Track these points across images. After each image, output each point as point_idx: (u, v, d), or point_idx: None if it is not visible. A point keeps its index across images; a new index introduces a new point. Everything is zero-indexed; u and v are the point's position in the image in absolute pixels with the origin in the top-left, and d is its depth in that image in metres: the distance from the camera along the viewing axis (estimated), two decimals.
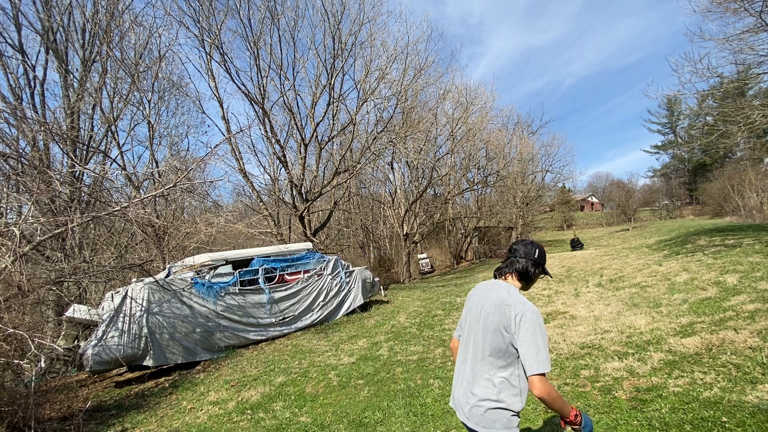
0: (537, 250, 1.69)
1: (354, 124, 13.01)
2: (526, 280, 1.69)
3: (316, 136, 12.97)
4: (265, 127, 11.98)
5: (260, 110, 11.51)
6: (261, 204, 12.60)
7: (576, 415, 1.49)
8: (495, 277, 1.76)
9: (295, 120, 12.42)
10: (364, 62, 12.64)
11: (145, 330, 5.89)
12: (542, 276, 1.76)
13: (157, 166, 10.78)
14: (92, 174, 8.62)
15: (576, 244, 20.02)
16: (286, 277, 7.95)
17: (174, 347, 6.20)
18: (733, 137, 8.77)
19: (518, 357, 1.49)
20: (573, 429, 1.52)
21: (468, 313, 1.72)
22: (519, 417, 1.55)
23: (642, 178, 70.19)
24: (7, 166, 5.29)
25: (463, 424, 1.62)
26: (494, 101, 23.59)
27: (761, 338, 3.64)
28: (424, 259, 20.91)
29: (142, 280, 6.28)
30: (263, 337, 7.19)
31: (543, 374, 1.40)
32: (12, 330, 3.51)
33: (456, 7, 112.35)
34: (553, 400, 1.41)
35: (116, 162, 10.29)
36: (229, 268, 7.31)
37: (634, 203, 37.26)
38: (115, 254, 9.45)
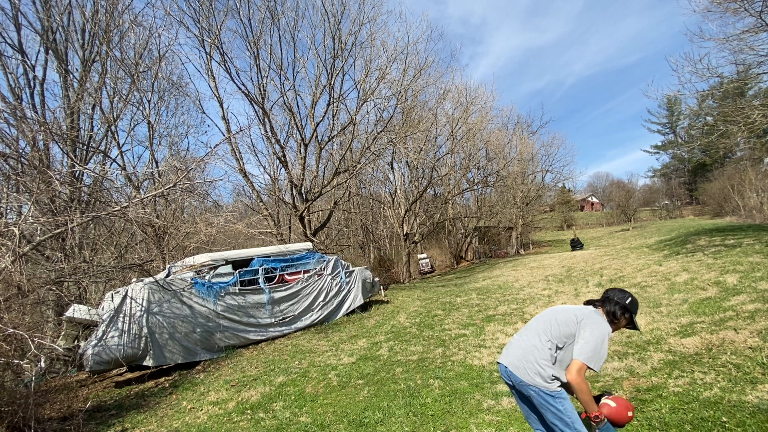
0: (630, 303, 1.97)
1: (354, 124, 13.01)
2: (611, 320, 1.95)
3: (316, 136, 12.97)
4: (265, 127, 11.99)
5: (260, 110, 11.51)
6: (261, 204, 12.60)
7: (597, 416, 1.72)
8: (587, 304, 2.09)
9: (295, 120, 12.42)
10: (364, 62, 12.65)
11: (145, 330, 5.89)
12: (628, 326, 2.04)
13: (157, 166, 10.79)
14: (92, 174, 8.62)
15: (576, 244, 20.04)
16: (286, 277, 7.94)
17: (174, 347, 6.20)
18: (733, 137, 8.78)
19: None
20: (593, 423, 1.74)
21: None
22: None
23: (642, 178, 70.22)
24: (7, 166, 5.30)
25: None
26: (494, 101, 23.59)
27: (761, 338, 3.64)
28: (424, 259, 20.90)
29: (142, 280, 6.28)
30: (263, 337, 7.19)
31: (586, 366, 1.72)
32: (12, 330, 3.51)
33: (457, 6, 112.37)
34: (582, 390, 1.71)
35: (116, 162, 10.29)
36: (229, 268, 7.31)
37: (634, 203, 37.26)
38: (115, 254, 9.45)
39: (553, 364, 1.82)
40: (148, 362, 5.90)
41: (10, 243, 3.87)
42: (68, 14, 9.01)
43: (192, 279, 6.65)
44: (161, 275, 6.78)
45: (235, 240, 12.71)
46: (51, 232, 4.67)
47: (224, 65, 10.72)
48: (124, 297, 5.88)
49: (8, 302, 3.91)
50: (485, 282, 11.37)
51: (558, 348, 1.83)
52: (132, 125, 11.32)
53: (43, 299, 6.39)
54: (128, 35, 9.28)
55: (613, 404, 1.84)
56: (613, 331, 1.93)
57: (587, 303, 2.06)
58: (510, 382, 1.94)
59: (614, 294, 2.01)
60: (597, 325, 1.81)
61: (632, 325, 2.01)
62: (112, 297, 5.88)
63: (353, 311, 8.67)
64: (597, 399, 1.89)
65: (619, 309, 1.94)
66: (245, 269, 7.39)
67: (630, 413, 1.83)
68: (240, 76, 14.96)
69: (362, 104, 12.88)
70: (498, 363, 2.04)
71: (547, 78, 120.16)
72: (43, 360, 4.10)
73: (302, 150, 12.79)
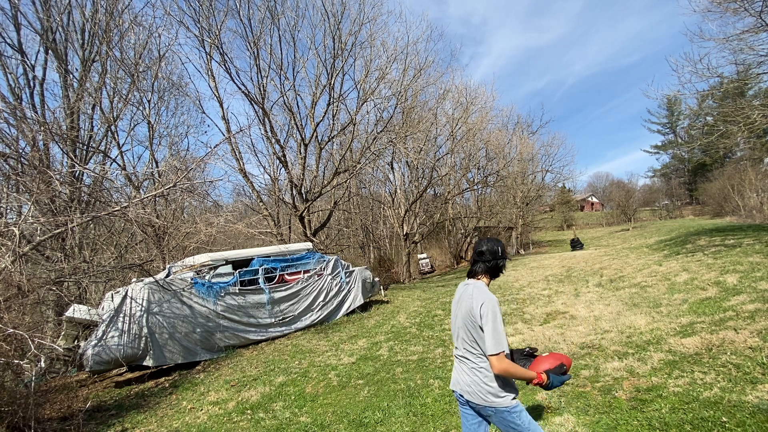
0: (500, 248, 1.94)
1: (354, 124, 13.01)
2: (496, 275, 1.97)
3: (316, 136, 12.96)
4: (265, 127, 11.98)
5: (260, 110, 11.51)
6: (261, 204, 12.60)
7: (540, 377, 1.79)
8: (468, 278, 1.99)
9: (295, 120, 12.42)
10: (364, 62, 12.64)
11: (145, 330, 5.89)
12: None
13: (157, 166, 10.79)
14: (92, 174, 8.62)
15: (576, 244, 20.04)
16: (286, 277, 7.94)
17: (174, 347, 6.20)
18: (733, 137, 8.78)
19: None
20: (542, 387, 1.83)
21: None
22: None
23: (642, 178, 70.21)
24: (7, 166, 5.30)
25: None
26: (494, 101, 23.59)
27: (761, 338, 3.64)
28: (424, 259, 20.90)
29: (142, 280, 6.28)
30: (263, 337, 7.19)
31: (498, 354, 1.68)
32: (12, 330, 3.51)
33: (458, 7, 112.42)
34: (511, 374, 1.71)
35: (116, 162, 10.29)
36: (229, 268, 7.31)
37: (634, 203, 37.27)
38: (115, 254, 9.45)
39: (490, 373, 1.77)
40: (148, 362, 5.90)
41: (10, 243, 3.87)
42: (68, 14, 9.00)
43: (192, 279, 6.65)
44: (161, 275, 6.78)
45: (235, 240, 12.72)
46: (51, 232, 4.67)
47: (224, 65, 10.72)
48: (124, 297, 5.87)
49: (8, 302, 3.91)
50: None
51: (483, 354, 1.77)
52: (132, 125, 11.33)
53: (43, 299, 6.39)
54: (128, 35, 9.27)
55: (546, 356, 1.93)
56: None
57: (470, 275, 1.98)
58: (467, 405, 1.90)
59: (487, 249, 1.92)
60: (490, 308, 1.73)
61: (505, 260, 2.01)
62: (112, 297, 5.88)
63: (353, 311, 8.67)
64: (530, 355, 2.00)
65: (500, 261, 1.92)
66: (245, 269, 7.38)
67: (561, 356, 1.93)
68: (240, 76, 14.96)
69: (362, 104, 12.88)
70: (452, 390, 1.98)
71: (547, 78, 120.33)
72: (43, 360, 4.10)
73: (302, 150, 12.79)
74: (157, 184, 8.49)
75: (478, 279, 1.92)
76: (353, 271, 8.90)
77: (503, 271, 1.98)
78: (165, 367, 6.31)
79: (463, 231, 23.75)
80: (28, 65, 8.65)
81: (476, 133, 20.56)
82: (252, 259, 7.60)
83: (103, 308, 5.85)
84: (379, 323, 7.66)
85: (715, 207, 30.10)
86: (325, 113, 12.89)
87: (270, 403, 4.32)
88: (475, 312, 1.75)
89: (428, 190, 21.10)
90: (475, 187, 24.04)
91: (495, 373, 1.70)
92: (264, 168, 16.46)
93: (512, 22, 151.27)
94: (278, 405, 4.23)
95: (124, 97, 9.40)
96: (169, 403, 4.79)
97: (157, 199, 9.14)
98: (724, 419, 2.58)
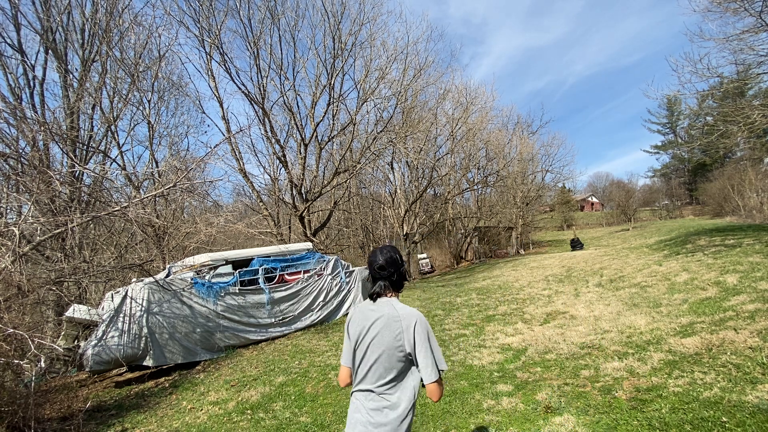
0: (398, 256, 1.68)
1: (354, 124, 13.01)
2: (401, 286, 1.69)
3: (316, 136, 12.97)
4: (265, 127, 11.99)
5: (260, 110, 11.51)
6: (261, 204, 12.60)
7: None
8: (373, 300, 1.64)
9: (295, 120, 12.42)
10: (364, 62, 12.65)
11: (145, 330, 5.89)
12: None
13: (157, 166, 10.79)
14: (92, 174, 8.62)
15: (576, 244, 20.04)
16: (286, 277, 7.94)
17: (174, 347, 6.20)
18: (733, 137, 8.78)
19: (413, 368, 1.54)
20: None
21: (353, 339, 1.62)
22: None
23: (642, 178, 70.21)
24: (7, 166, 5.30)
25: None
26: (494, 101, 23.59)
27: (761, 338, 3.64)
28: (424, 259, 20.90)
29: (142, 280, 6.28)
30: (263, 337, 7.19)
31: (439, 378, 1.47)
32: (12, 330, 3.51)
33: (458, 7, 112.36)
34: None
35: (116, 162, 10.29)
36: (229, 268, 7.31)
37: (634, 203, 37.28)
38: (115, 254, 9.45)
39: (407, 413, 1.50)
40: (148, 362, 5.90)
41: (10, 243, 3.87)
42: (68, 14, 9.00)
43: (192, 279, 6.65)
44: (161, 275, 6.78)
45: (235, 240, 12.72)
46: (51, 232, 4.67)
47: (224, 65, 10.72)
48: (124, 297, 5.88)
49: (8, 302, 3.91)
50: (485, 282, 11.37)
51: (399, 389, 1.52)
52: (132, 125, 11.33)
53: (43, 299, 6.39)
54: (128, 35, 9.27)
55: None
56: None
57: (374, 296, 1.63)
58: None
59: (386, 261, 1.63)
60: (424, 327, 1.48)
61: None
62: (112, 297, 5.88)
63: None
64: None
65: (402, 269, 1.67)
66: (245, 269, 7.38)
67: None
68: (240, 76, 14.95)
69: (362, 104, 12.88)
70: None
71: (547, 78, 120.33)
72: (43, 360, 4.10)
73: (302, 150, 12.79)
74: (157, 184, 8.49)
75: (388, 296, 1.62)
76: (353, 271, 8.90)
77: (408, 278, 1.74)
78: (165, 367, 6.31)
79: (463, 231, 23.74)
80: (28, 65, 8.65)
81: (476, 133, 20.56)
82: (252, 259, 7.60)
83: (103, 308, 5.85)
84: None
85: (715, 207, 30.11)
86: (325, 113, 12.90)
87: (270, 403, 4.32)
88: (407, 337, 1.46)
89: (428, 190, 21.10)
90: (475, 187, 24.04)
91: (436, 400, 1.46)
92: (264, 168, 16.48)
93: (512, 22, 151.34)
94: (278, 405, 4.23)
95: (124, 97, 9.40)
96: (169, 403, 4.79)
97: (157, 199, 9.14)
98: (724, 419, 2.58)
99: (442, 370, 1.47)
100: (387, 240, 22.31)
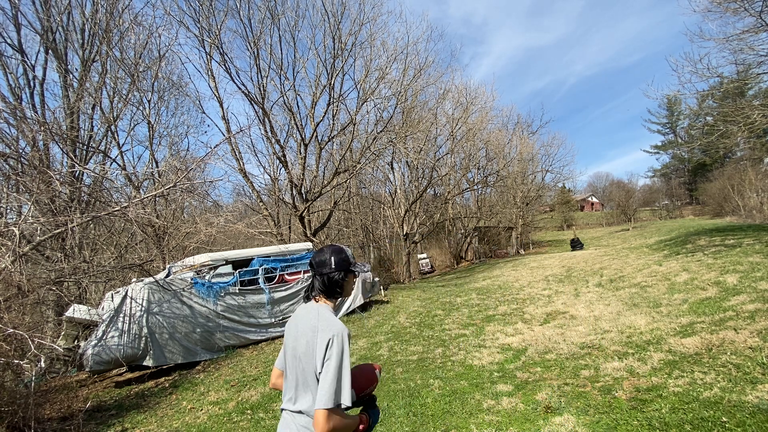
0: (333, 257, 1.46)
1: (354, 124, 13.01)
2: (333, 294, 1.47)
3: (316, 136, 12.96)
4: (265, 127, 11.99)
5: (260, 110, 11.51)
6: (261, 204, 12.60)
7: (364, 423, 1.38)
8: (305, 301, 1.51)
9: (295, 120, 12.42)
10: (364, 62, 12.65)
11: (145, 330, 5.89)
12: (355, 277, 1.56)
13: (157, 166, 10.79)
14: (92, 174, 8.62)
15: (576, 244, 20.04)
16: (286, 277, 7.94)
17: (174, 347, 6.20)
18: (733, 137, 8.78)
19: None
20: None
21: (285, 343, 1.48)
22: None
23: (642, 178, 70.21)
24: (7, 166, 5.30)
25: None
26: (494, 101, 23.61)
27: (761, 338, 3.64)
28: (424, 259, 20.90)
29: (142, 280, 6.28)
30: (263, 337, 7.19)
31: (333, 408, 1.18)
32: (12, 330, 3.51)
33: (459, 7, 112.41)
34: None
35: (116, 162, 10.29)
36: (229, 268, 7.31)
37: (634, 203, 37.28)
38: (115, 254, 9.45)
39: None
40: (148, 362, 5.90)
41: (10, 243, 3.87)
42: (68, 14, 9.00)
43: (192, 279, 6.65)
44: (161, 275, 6.78)
45: (235, 240, 12.72)
46: (51, 232, 4.67)
47: (224, 65, 10.72)
48: (124, 297, 5.88)
49: (8, 302, 3.91)
50: (485, 282, 11.36)
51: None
52: (132, 125, 11.34)
53: (43, 299, 6.39)
54: (128, 35, 9.27)
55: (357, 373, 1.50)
56: (345, 297, 1.51)
57: (305, 297, 1.51)
58: None
59: (315, 261, 1.47)
60: (336, 344, 1.24)
61: (354, 273, 1.54)
62: (112, 297, 5.89)
63: (353, 311, 8.67)
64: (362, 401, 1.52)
65: (334, 274, 1.44)
66: (245, 269, 7.38)
67: (372, 376, 1.52)
68: (240, 76, 14.91)
69: (362, 104, 12.88)
70: None
71: (548, 78, 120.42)
72: (43, 360, 4.10)
73: (302, 150, 12.79)
74: (157, 184, 8.49)
75: (318, 301, 1.45)
76: None
77: (340, 288, 1.47)
78: (165, 367, 6.31)
79: (463, 231, 23.75)
80: (28, 65, 8.65)
81: (476, 133, 20.57)
82: (252, 259, 7.60)
83: (103, 308, 5.85)
84: (379, 323, 7.66)
85: (715, 207, 30.10)
86: (325, 113, 12.90)
87: (270, 403, 4.32)
88: (318, 353, 1.24)
89: (428, 190, 21.11)
90: (475, 187, 24.05)
91: None
92: (264, 168, 16.47)
93: (513, 23, 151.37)
94: (278, 405, 4.23)
95: (124, 97, 9.40)
96: (169, 403, 4.79)
97: (157, 199, 9.13)
98: (724, 419, 2.58)
99: (340, 405, 1.19)
100: (387, 240, 22.32)
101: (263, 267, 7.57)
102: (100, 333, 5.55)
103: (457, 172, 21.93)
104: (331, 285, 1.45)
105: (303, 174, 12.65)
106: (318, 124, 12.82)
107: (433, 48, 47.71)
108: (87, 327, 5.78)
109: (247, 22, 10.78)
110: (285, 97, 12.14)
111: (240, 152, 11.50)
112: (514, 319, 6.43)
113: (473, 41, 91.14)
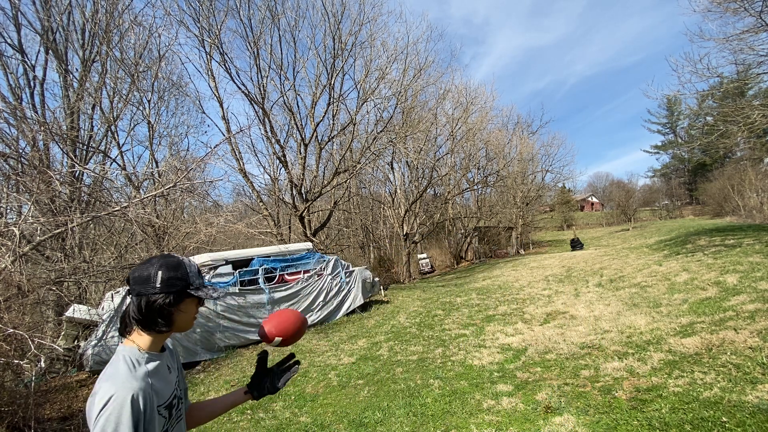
0: (160, 273, 1.00)
1: (354, 124, 13.01)
2: (152, 325, 1.00)
3: (316, 136, 12.97)
4: (265, 127, 11.99)
5: (260, 110, 11.51)
6: (261, 204, 12.60)
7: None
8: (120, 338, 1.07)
9: (295, 120, 12.42)
10: (364, 62, 12.66)
11: None
12: (198, 300, 1.11)
13: (157, 166, 10.78)
14: (92, 174, 8.61)
15: (576, 244, 20.03)
16: (286, 277, 7.94)
17: (174, 347, 6.19)
18: (733, 137, 8.79)
19: None
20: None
21: None
22: None
23: (642, 178, 70.22)
24: (7, 166, 5.30)
25: None
26: (494, 101, 23.64)
27: (761, 338, 3.64)
28: (424, 259, 20.90)
29: None
30: None
31: None
32: (12, 330, 3.51)
33: (459, 7, 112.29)
34: None
35: (116, 162, 10.29)
36: (229, 268, 7.31)
37: (634, 203, 37.27)
38: (115, 254, 9.44)
39: None
40: None
41: (10, 243, 3.87)
42: (68, 14, 9.00)
43: None
44: None
45: (235, 240, 12.70)
46: (51, 232, 4.67)
47: (224, 65, 10.73)
48: (124, 297, 5.88)
49: (8, 302, 3.91)
50: (485, 282, 11.36)
51: None
52: (132, 125, 11.34)
53: (43, 299, 6.39)
54: (128, 35, 9.27)
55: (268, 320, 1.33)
56: (178, 330, 1.06)
57: (120, 333, 1.06)
58: None
59: (133, 276, 1.01)
60: (106, 414, 0.83)
61: (197, 294, 1.08)
62: (112, 297, 5.89)
63: (353, 311, 8.66)
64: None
65: (157, 297, 0.99)
66: (245, 269, 7.38)
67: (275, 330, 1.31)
68: (240, 76, 14.93)
69: (362, 104, 12.88)
70: None
71: (548, 78, 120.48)
72: (43, 360, 4.10)
73: (302, 150, 12.79)
74: (157, 184, 8.48)
75: (128, 339, 1.02)
76: (353, 271, 8.90)
77: (164, 319, 1.01)
78: None
79: (463, 231, 23.74)
80: (28, 65, 8.65)
81: (476, 133, 20.58)
82: (252, 259, 7.60)
83: (103, 308, 5.85)
84: (379, 323, 7.66)
85: (715, 207, 30.10)
86: (325, 113, 12.90)
87: (270, 403, 4.32)
88: (89, 413, 0.87)
89: (428, 190, 21.11)
90: (475, 187, 24.05)
91: None
92: (264, 168, 16.49)
93: (513, 23, 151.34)
94: (278, 405, 4.23)
95: (124, 97, 9.40)
96: None
97: (157, 199, 9.13)
98: (724, 419, 2.58)
99: None
100: (387, 240, 22.31)
101: (263, 267, 7.57)
102: (100, 333, 5.55)
103: (457, 172, 21.94)
104: (149, 312, 0.98)
105: (303, 174, 12.65)
106: (318, 124, 12.83)
107: (433, 48, 47.73)
108: (87, 327, 5.78)
109: (247, 22, 10.79)
110: (285, 97, 12.16)
111: (240, 152, 11.52)
112: (514, 319, 6.43)
113: (474, 41, 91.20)
